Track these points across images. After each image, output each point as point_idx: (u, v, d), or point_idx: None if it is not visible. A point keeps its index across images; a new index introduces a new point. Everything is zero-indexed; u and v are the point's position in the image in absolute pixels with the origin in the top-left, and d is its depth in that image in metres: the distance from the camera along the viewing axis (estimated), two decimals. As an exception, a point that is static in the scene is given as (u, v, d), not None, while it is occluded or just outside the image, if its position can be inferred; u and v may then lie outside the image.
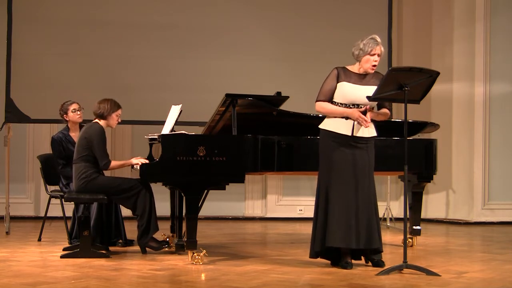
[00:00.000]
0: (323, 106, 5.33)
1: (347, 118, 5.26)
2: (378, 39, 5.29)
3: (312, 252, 5.39)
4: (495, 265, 5.59)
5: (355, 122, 5.24)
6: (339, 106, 5.30)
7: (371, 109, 5.33)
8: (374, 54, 5.26)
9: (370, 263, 5.40)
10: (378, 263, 5.33)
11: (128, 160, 6.15)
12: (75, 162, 6.05)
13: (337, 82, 5.30)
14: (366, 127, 5.24)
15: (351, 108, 5.27)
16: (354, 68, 5.37)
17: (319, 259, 5.41)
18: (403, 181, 5.28)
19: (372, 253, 5.37)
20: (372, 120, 5.33)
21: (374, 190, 5.36)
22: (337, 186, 5.25)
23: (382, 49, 5.31)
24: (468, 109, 9.18)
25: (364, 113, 5.24)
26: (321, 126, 5.38)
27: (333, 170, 5.28)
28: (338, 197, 5.24)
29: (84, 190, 5.95)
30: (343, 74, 5.31)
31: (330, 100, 5.33)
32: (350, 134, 5.26)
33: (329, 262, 5.41)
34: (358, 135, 5.26)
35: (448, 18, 9.35)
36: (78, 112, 6.79)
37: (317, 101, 5.35)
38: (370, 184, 5.31)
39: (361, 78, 5.32)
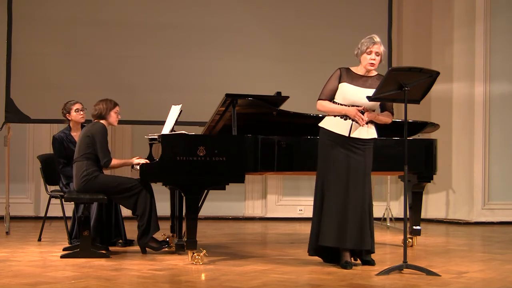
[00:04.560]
0: (323, 105, 5.37)
1: (346, 118, 5.27)
2: (376, 39, 5.31)
3: (310, 249, 5.43)
4: (495, 265, 5.59)
5: (353, 123, 5.26)
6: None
7: (373, 111, 5.34)
8: (370, 52, 5.28)
9: (359, 261, 5.45)
10: (369, 262, 5.40)
11: (129, 159, 6.16)
12: (76, 160, 6.05)
13: (339, 83, 5.32)
14: (362, 125, 5.25)
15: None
16: (358, 69, 5.39)
17: (315, 257, 5.45)
18: (403, 181, 5.28)
19: (363, 254, 5.41)
20: (374, 122, 5.35)
21: (370, 192, 5.36)
22: (331, 185, 5.29)
23: (382, 48, 5.32)
24: (468, 109, 9.18)
25: (363, 112, 5.26)
26: (320, 124, 5.40)
27: (328, 169, 5.31)
28: (332, 196, 5.27)
29: (84, 189, 5.95)
30: (345, 75, 5.34)
31: (331, 99, 5.35)
32: (347, 134, 5.27)
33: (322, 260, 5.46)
34: (355, 136, 5.27)
35: (448, 18, 9.35)
36: (81, 112, 6.79)
37: (318, 99, 5.38)
38: (365, 186, 5.31)
39: (364, 81, 5.34)
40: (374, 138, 5.38)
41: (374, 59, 5.30)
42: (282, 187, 9.56)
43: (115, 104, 6.14)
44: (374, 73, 5.39)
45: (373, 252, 5.42)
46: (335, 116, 5.32)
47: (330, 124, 5.33)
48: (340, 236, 5.22)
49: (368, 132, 5.32)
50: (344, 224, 5.22)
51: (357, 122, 5.25)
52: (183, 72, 8.23)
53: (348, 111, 5.26)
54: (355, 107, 5.26)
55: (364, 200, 5.29)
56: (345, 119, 5.28)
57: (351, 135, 5.27)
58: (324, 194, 5.32)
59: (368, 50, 5.28)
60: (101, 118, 6.11)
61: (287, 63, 8.43)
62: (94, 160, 5.99)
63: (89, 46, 8.09)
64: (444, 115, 9.16)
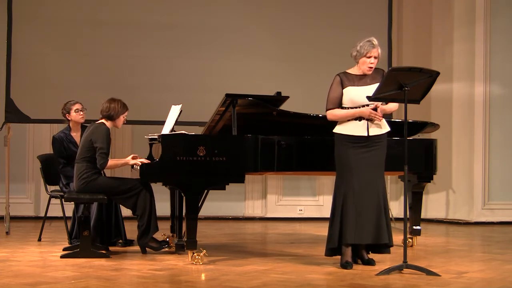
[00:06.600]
0: (334, 113, 5.39)
1: (360, 119, 5.30)
2: (375, 42, 5.34)
3: (327, 250, 5.45)
4: (495, 265, 5.59)
5: (368, 122, 5.30)
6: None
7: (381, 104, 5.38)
8: (370, 57, 5.33)
9: (359, 261, 5.46)
10: (369, 262, 5.42)
11: (126, 159, 6.13)
12: (77, 161, 6.06)
13: (343, 88, 5.36)
14: (380, 120, 5.31)
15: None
16: (354, 70, 5.43)
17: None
18: (403, 181, 5.30)
19: (382, 248, 5.43)
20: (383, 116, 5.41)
21: (384, 185, 5.43)
22: (353, 187, 5.30)
23: (380, 51, 5.37)
24: (468, 109, 9.18)
25: (375, 109, 5.30)
26: (335, 130, 5.42)
27: (350, 172, 5.32)
28: (352, 196, 5.29)
29: (84, 191, 5.95)
30: (345, 79, 5.38)
31: (339, 107, 5.38)
32: (366, 134, 5.32)
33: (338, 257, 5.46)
34: (374, 133, 5.33)
35: (448, 18, 9.35)
36: (81, 112, 6.79)
37: (327, 110, 5.41)
38: (380, 180, 5.39)
39: (363, 79, 5.38)
40: (388, 131, 5.43)
41: (373, 63, 5.36)
42: (282, 187, 9.56)
43: (127, 109, 6.15)
44: None
45: (392, 246, 5.43)
46: (348, 120, 5.34)
47: (346, 128, 5.35)
48: (357, 233, 5.26)
49: (383, 126, 5.38)
50: (361, 220, 5.26)
51: (371, 121, 5.29)
52: (183, 72, 8.23)
53: (362, 113, 5.30)
54: (367, 107, 5.30)
55: (379, 194, 5.34)
56: (360, 120, 5.32)
57: (370, 134, 5.31)
58: (346, 196, 5.32)
59: (368, 54, 5.32)
60: (108, 118, 6.10)
61: (287, 63, 8.42)
62: (94, 163, 5.98)
63: (89, 46, 8.09)
64: (444, 115, 9.15)
